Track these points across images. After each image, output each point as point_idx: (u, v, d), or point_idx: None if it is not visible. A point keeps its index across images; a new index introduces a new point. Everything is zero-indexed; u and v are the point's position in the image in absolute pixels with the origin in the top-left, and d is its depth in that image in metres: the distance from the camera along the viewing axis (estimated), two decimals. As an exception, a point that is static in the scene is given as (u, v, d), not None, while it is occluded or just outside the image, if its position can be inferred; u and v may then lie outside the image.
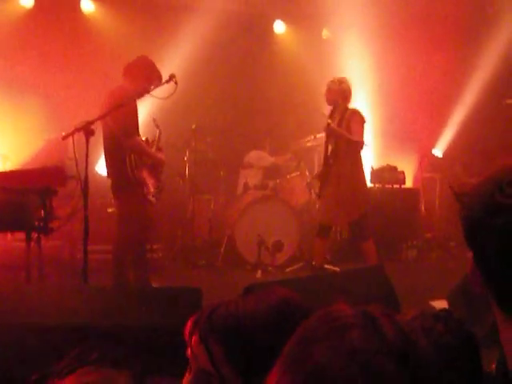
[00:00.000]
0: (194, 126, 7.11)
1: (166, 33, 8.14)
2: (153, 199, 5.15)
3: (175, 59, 7.70)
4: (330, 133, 5.87)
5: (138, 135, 5.05)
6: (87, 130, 4.17)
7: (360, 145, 5.81)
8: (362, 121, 5.85)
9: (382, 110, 8.50)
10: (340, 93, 5.89)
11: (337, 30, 8.87)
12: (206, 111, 7.96)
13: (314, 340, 0.81)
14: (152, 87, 5.03)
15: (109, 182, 5.27)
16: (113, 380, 0.78)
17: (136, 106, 5.01)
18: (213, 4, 8.22)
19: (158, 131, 5.47)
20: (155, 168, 5.25)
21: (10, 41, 7.68)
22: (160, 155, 5.30)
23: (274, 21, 9.21)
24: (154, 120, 5.53)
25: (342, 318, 0.83)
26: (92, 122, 4.22)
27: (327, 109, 6.05)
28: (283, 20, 9.23)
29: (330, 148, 5.96)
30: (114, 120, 4.80)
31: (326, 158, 5.97)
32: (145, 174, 5.08)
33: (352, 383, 0.76)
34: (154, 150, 5.28)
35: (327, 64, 8.52)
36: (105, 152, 5.12)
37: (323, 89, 6.10)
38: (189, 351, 1.19)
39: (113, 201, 5.54)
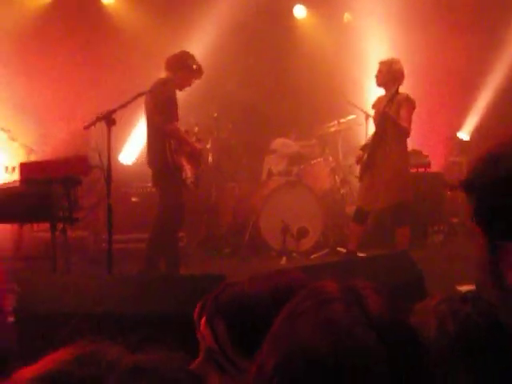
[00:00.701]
0: (215, 114, 7.08)
1: (186, 20, 8.10)
2: (191, 185, 5.50)
3: (196, 47, 7.65)
4: (384, 118, 5.69)
5: (177, 122, 5.37)
6: (108, 120, 4.19)
7: (407, 132, 5.70)
8: (412, 108, 5.73)
9: (407, 92, 8.37)
10: (390, 73, 5.74)
11: (358, 13, 8.74)
12: (228, 99, 7.93)
13: (297, 314, 0.83)
14: (193, 79, 5.44)
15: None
16: (105, 351, 0.79)
17: (175, 95, 5.34)
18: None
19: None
20: (193, 156, 5.54)
21: (31, 34, 7.71)
22: (198, 145, 5.62)
23: (293, 5, 9.11)
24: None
25: (326, 292, 0.85)
26: (113, 112, 4.24)
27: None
28: (303, 4, 9.13)
29: (377, 132, 5.82)
30: (155, 108, 5.24)
31: (373, 140, 5.84)
32: (183, 161, 5.39)
33: (331, 355, 0.77)
34: (193, 140, 5.63)
35: (349, 48, 8.43)
36: (147, 140, 5.51)
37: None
38: (198, 333, 1.21)
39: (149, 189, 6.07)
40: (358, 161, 6.09)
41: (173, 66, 5.39)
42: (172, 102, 5.28)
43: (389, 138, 5.74)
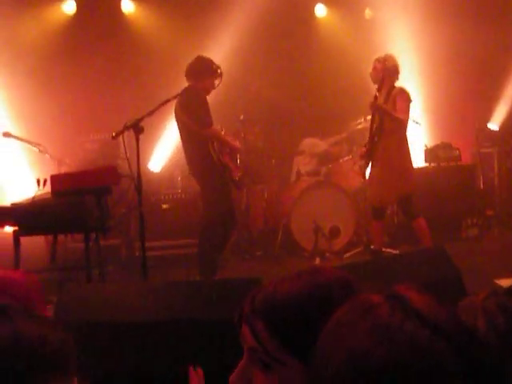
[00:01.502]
0: (242, 117, 7.07)
1: (208, 24, 8.12)
2: (238, 183, 5.68)
3: (219, 50, 7.68)
4: (375, 109, 5.76)
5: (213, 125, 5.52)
6: (136, 128, 4.20)
7: (404, 122, 5.69)
8: (407, 99, 5.74)
9: (433, 87, 8.28)
10: (385, 70, 5.76)
11: (380, 8, 8.67)
12: (253, 100, 7.92)
13: (346, 323, 0.84)
14: (217, 82, 5.55)
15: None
16: None
17: (206, 99, 5.48)
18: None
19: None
20: (233, 155, 5.72)
21: (55, 46, 7.83)
22: (236, 143, 5.79)
23: (315, 4, 9.08)
24: None
25: (368, 300, 0.86)
26: (141, 120, 4.25)
27: (374, 88, 5.94)
28: (324, 3, 9.09)
29: (374, 126, 5.85)
30: (188, 116, 5.38)
31: (372, 135, 5.86)
32: (227, 160, 5.54)
33: (388, 357, 0.76)
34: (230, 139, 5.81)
35: (372, 44, 8.34)
36: (185, 147, 5.63)
37: (369, 70, 6.00)
38: (240, 336, 1.24)
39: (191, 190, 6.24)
40: (362, 157, 6.08)
41: (195, 73, 5.48)
42: (205, 108, 5.41)
43: (386, 131, 5.73)
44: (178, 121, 5.62)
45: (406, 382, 0.75)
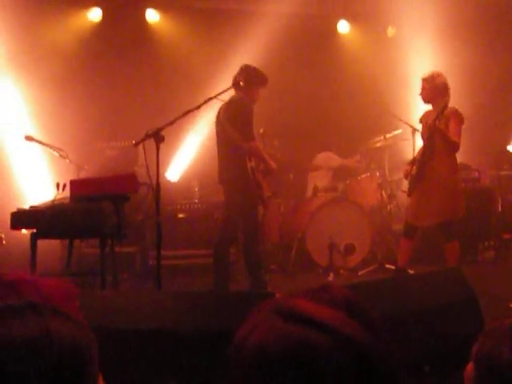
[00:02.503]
0: (261, 131, 7.07)
1: (230, 39, 8.17)
2: (266, 202, 5.60)
3: (240, 63, 7.70)
4: (434, 131, 5.59)
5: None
6: (157, 137, 4.22)
7: (457, 145, 5.61)
8: (461, 121, 5.62)
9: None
10: (435, 89, 5.68)
11: (402, 26, 8.69)
12: (273, 115, 7.93)
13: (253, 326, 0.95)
14: (260, 89, 5.55)
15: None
16: None
17: (252, 112, 5.43)
18: (275, 7, 8.20)
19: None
20: (266, 174, 5.65)
21: (80, 53, 7.91)
22: (273, 163, 5.65)
23: (337, 21, 9.11)
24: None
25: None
26: (162, 129, 4.27)
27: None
28: (347, 20, 9.12)
29: (426, 145, 5.72)
30: (232, 127, 5.35)
31: (422, 154, 5.77)
32: (260, 177, 5.51)
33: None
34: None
35: (394, 62, 8.36)
36: (221, 155, 5.56)
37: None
38: None
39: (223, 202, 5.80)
40: (406, 175, 6.00)
41: (242, 84, 5.40)
42: (250, 121, 5.38)
43: (437, 152, 5.64)
44: (219, 127, 5.56)
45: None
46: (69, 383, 0.95)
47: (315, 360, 0.86)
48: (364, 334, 0.90)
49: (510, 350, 1.19)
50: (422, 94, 5.75)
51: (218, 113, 5.56)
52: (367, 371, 0.86)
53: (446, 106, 5.56)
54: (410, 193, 5.92)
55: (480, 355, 1.25)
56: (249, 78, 5.45)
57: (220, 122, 5.52)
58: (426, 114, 5.85)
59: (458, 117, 5.63)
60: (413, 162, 5.91)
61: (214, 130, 5.74)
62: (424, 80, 5.72)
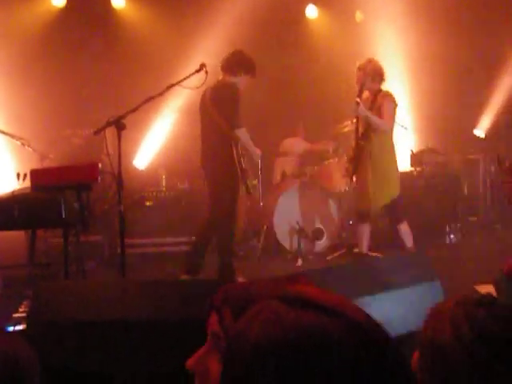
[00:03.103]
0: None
1: (197, 22, 8.11)
2: (251, 188, 5.50)
3: (208, 49, 7.66)
4: (359, 113, 5.71)
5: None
6: (119, 125, 4.17)
7: (388, 127, 5.69)
8: (393, 103, 5.72)
9: (420, 92, 8.30)
10: (368, 73, 5.73)
11: (370, 11, 8.68)
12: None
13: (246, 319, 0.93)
14: (249, 78, 5.39)
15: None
16: None
17: (239, 98, 5.28)
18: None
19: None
20: (251, 160, 5.57)
21: (43, 39, 7.78)
22: (258, 149, 5.58)
23: (306, 5, 9.07)
24: None
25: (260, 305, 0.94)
26: (123, 116, 4.22)
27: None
28: (315, 4, 9.08)
29: (360, 130, 5.84)
30: (219, 112, 5.23)
31: (357, 140, 5.85)
32: (247, 165, 5.42)
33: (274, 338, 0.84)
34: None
35: (362, 47, 8.35)
36: (205, 139, 5.43)
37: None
38: (207, 323, 1.27)
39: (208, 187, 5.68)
40: (350, 161, 6.07)
41: (233, 67, 5.33)
42: (238, 107, 5.26)
43: (372, 135, 5.72)
44: (204, 111, 5.42)
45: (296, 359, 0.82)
46: None
47: (331, 347, 0.82)
48: (369, 319, 0.89)
49: (451, 328, 1.20)
50: (357, 82, 5.82)
51: (203, 96, 5.41)
52: (378, 356, 0.84)
53: (378, 89, 5.72)
54: (351, 179, 6.02)
55: (423, 338, 1.26)
56: (240, 63, 5.36)
57: (206, 106, 5.38)
58: (363, 101, 5.87)
59: (389, 98, 5.73)
60: (353, 147, 6.01)
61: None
62: (358, 68, 5.80)
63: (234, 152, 5.29)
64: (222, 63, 5.39)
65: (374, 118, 5.64)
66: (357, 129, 5.89)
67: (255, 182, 5.74)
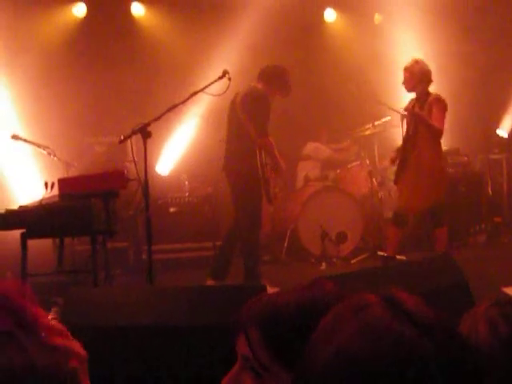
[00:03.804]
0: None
1: (216, 30, 8.14)
2: (271, 197, 5.51)
3: (228, 54, 7.69)
4: (412, 116, 5.65)
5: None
6: (144, 132, 4.21)
7: (440, 132, 5.61)
8: (444, 108, 5.62)
9: (442, 93, 8.21)
10: (417, 76, 5.66)
11: (389, 13, 8.66)
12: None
13: (339, 321, 0.85)
14: (278, 96, 5.45)
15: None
16: None
17: (269, 106, 5.34)
18: (261, -3, 8.17)
19: None
20: (275, 171, 5.55)
21: (65, 48, 7.87)
22: (282, 161, 5.59)
23: (324, 9, 9.07)
24: None
25: (362, 299, 0.87)
26: (148, 124, 4.26)
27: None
28: (333, 8, 9.08)
29: (409, 132, 5.74)
30: (250, 119, 5.26)
31: (405, 141, 5.79)
32: (269, 174, 5.44)
33: (374, 356, 0.78)
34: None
35: (381, 49, 8.34)
36: (231, 142, 5.44)
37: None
38: (236, 342, 1.26)
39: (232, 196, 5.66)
40: (392, 162, 6.02)
41: (270, 79, 5.37)
42: (267, 115, 5.29)
43: (421, 139, 5.65)
44: (233, 114, 5.45)
45: (389, 380, 0.77)
46: None
47: (424, 371, 0.76)
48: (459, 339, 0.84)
49: (488, 328, 1.20)
50: (404, 83, 5.76)
51: (233, 100, 5.43)
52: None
53: (427, 92, 5.62)
54: (396, 181, 5.95)
55: None
56: (278, 76, 5.41)
57: (235, 110, 5.40)
58: (410, 102, 5.85)
59: (441, 103, 5.64)
60: (398, 149, 5.93)
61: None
62: (404, 69, 5.74)
63: (258, 159, 5.30)
64: (261, 71, 5.43)
65: (428, 121, 5.54)
66: (407, 131, 5.79)
67: (277, 190, 5.73)
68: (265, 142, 5.31)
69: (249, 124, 5.27)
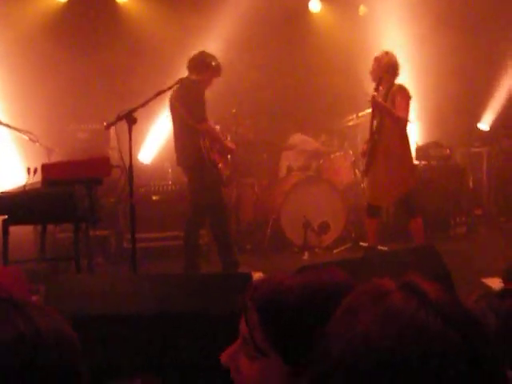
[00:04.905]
0: (234, 110, 7.06)
1: (200, 19, 8.09)
2: (225, 181, 5.69)
3: (212, 44, 7.64)
4: (375, 106, 5.70)
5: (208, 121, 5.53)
6: (129, 119, 4.18)
7: (404, 121, 5.66)
8: (407, 96, 5.68)
9: (425, 86, 8.28)
10: (381, 68, 5.73)
11: (374, 5, 8.66)
12: (246, 95, 7.91)
13: (355, 309, 0.83)
14: (214, 78, 5.56)
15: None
16: None
17: (204, 93, 5.45)
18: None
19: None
20: (223, 153, 5.73)
21: (47, 33, 7.75)
22: (229, 143, 5.82)
23: (309, 0, 9.05)
24: None
25: (382, 286, 0.85)
26: (134, 110, 4.23)
27: (369, 85, 5.91)
28: (318, -2, 9.06)
29: (375, 123, 5.81)
30: (184, 108, 5.38)
31: (372, 133, 5.83)
32: (217, 157, 5.55)
33: (397, 344, 0.76)
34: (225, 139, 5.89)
35: (365, 41, 8.34)
36: (176, 138, 5.62)
37: (362, 66, 5.97)
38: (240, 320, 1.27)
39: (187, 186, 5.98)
40: (363, 154, 6.06)
41: (197, 67, 5.47)
42: (202, 102, 5.41)
43: (387, 129, 5.70)
44: (172, 111, 5.60)
45: (413, 369, 0.75)
46: (69, 377, 0.93)
47: (447, 363, 0.75)
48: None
49: None
50: (370, 72, 5.81)
51: (171, 97, 5.54)
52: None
53: (392, 83, 5.71)
54: (365, 173, 6.00)
55: None
56: (204, 63, 5.50)
57: (173, 105, 5.55)
58: (377, 95, 5.86)
59: (404, 91, 5.70)
60: (368, 141, 5.97)
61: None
62: (374, 59, 5.79)
63: (202, 146, 5.40)
64: (188, 64, 5.55)
65: (390, 110, 5.60)
66: (371, 122, 5.85)
67: (228, 172, 5.82)
68: (205, 127, 5.44)
69: (186, 113, 5.41)
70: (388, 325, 0.78)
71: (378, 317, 0.79)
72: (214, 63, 5.56)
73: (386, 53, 5.81)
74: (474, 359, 0.76)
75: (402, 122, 5.65)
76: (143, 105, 4.34)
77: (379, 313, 0.80)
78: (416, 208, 5.86)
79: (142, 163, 7.96)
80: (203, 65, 5.48)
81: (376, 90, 5.69)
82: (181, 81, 5.24)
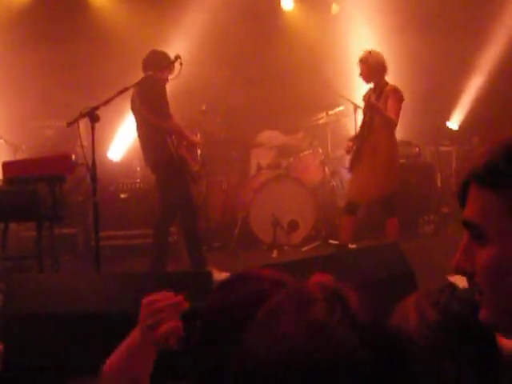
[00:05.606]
0: (203, 108, 7.02)
1: (172, 15, 8.04)
2: (195, 177, 5.62)
3: (183, 41, 7.61)
4: (368, 107, 5.69)
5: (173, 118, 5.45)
6: (92, 116, 4.13)
7: (394, 122, 5.66)
8: (400, 99, 5.68)
9: (393, 84, 8.33)
10: (374, 68, 5.70)
11: (346, 3, 8.69)
12: (216, 92, 7.88)
13: (280, 312, 0.82)
14: (171, 76, 5.43)
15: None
16: None
17: (165, 90, 5.36)
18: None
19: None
20: (190, 149, 5.67)
21: (12, 29, 7.64)
22: (195, 137, 5.79)
23: (281, -2, 9.05)
24: None
25: (307, 293, 0.84)
26: (96, 108, 4.18)
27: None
28: (291, -4, 9.06)
29: (364, 121, 5.80)
30: (147, 107, 5.28)
31: (361, 131, 5.83)
32: (185, 153, 5.49)
33: (313, 355, 0.76)
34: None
35: (337, 40, 8.38)
36: (142, 139, 5.53)
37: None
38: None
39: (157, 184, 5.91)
40: (348, 151, 6.06)
41: (154, 64, 5.38)
42: (165, 99, 5.32)
43: (376, 128, 5.71)
44: (134, 111, 5.50)
45: (322, 381, 0.76)
46: None
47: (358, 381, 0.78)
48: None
49: (416, 315, 1.22)
50: (361, 75, 5.81)
51: (132, 97, 5.45)
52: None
53: (384, 83, 5.69)
54: (350, 169, 6.00)
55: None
56: (160, 59, 5.42)
57: (135, 106, 5.46)
58: (368, 93, 5.90)
59: (397, 94, 5.70)
60: (354, 138, 5.98)
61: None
62: (360, 61, 5.77)
63: (169, 143, 5.35)
64: (142, 64, 5.48)
65: (384, 113, 5.59)
66: (363, 121, 5.84)
67: (197, 168, 5.76)
68: (170, 124, 5.38)
69: (150, 114, 5.31)
70: (307, 335, 0.79)
71: (298, 326, 0.80)
72: (170, 58, 5.43)
73: (370, 52, 5.76)
74: (385, 379, 0.78)
75: (393, 124, 5.67)
76: (106, 102, 4.29)
77: (302, 324, 0.80)
78: (394, 208, 5.88)
79: (112, 161, 7.90)
80: (160, 61, 5.39)
81: (374, 91, 5.68)
82: (145, 78, 5.21)
